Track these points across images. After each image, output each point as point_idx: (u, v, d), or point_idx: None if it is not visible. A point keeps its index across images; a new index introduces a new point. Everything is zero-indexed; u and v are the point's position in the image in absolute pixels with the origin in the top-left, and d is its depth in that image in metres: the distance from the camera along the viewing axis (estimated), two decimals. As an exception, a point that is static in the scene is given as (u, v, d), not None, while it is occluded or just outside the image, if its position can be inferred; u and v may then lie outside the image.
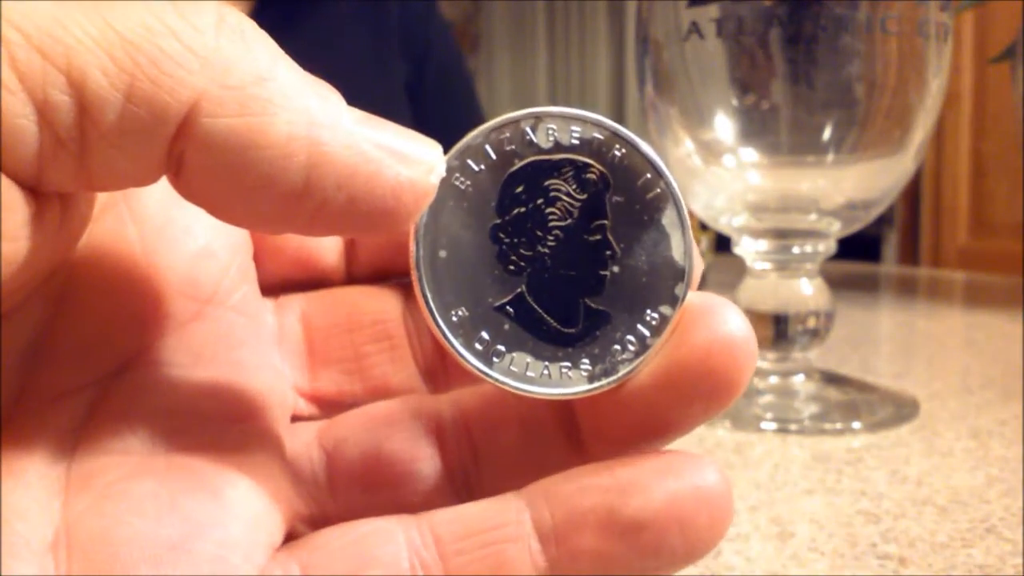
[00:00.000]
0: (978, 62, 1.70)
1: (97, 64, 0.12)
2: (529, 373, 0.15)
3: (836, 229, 0.37)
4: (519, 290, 0.15)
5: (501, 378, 0.15)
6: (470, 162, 0.15)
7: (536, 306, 0.15)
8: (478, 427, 0.17)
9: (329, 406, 0.18)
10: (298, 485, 0.17)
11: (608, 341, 0.15)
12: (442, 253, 0.15)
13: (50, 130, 0.12)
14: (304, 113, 0.13)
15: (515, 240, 0.15)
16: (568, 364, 0.15)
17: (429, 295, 0.15)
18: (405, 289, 0.19)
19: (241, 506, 0.15)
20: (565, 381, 0.15)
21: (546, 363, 0.15)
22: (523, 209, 0.15)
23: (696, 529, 0.14)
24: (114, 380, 0.15)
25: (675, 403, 0.15)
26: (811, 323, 0.37)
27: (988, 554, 0.24)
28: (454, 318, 0.15)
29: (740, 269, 0.40)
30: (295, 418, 0.18)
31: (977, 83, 1.76)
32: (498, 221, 0.15)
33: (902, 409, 0.37)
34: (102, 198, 0.16)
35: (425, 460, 0.17)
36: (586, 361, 0.15)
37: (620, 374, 0.15)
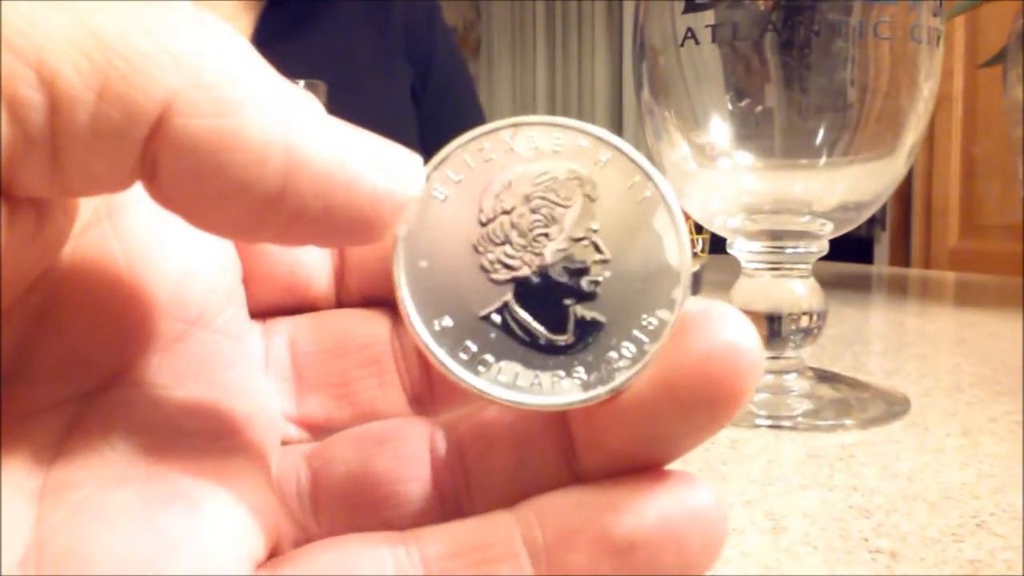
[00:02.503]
0: (969, 66, 1.71)
1: (70, 62, 0.11)
2: (519, 383, 0.15)
3: (829, 230, 0.38)
4: (505, 299, 0.15)
5: (488, 389, 0.15)
6: (449, 172, 0.15)
7: (524, 314, 0.15)
8: (471, 449, 0.16)
9: (318, 432, 0.18)
10: (283, 503, 0.16)
11: (603, 348, 0.15)
12: (423, 263, 0.15)
13: (21, 129, 0.11)
14: (280, 117, 0.12)
15: (499, 249, 0.15)
16: (561, 372, 0.15)
17: (411, 305, 0.15)
18: (393, 312, 0.18)
19: (220, 519, 0.14)
20: (558, 390, 0.15)
21: (537, 372, 0.15)
22: (507, 218, 0.15)
23: (690, 549, 0.14)
24: (95, 398, 0.15)
25: (674, 413, 0.14)
26: (804, 322, 0.38)
27: (979, 549, 0.24)
28: (437, 327, 0.15)
29: (735, 269, 0.40)
30: (285, 444, 0.17)
31: (968, 86, 1.77)
32: (480, 231, 0.15)
33: (893, 406, 0.38)
34: (85, 214, 0.15)
35: (414, 481, 0.16)
36: (580, 369, 0.15)
37: (617, 382, 0.14)
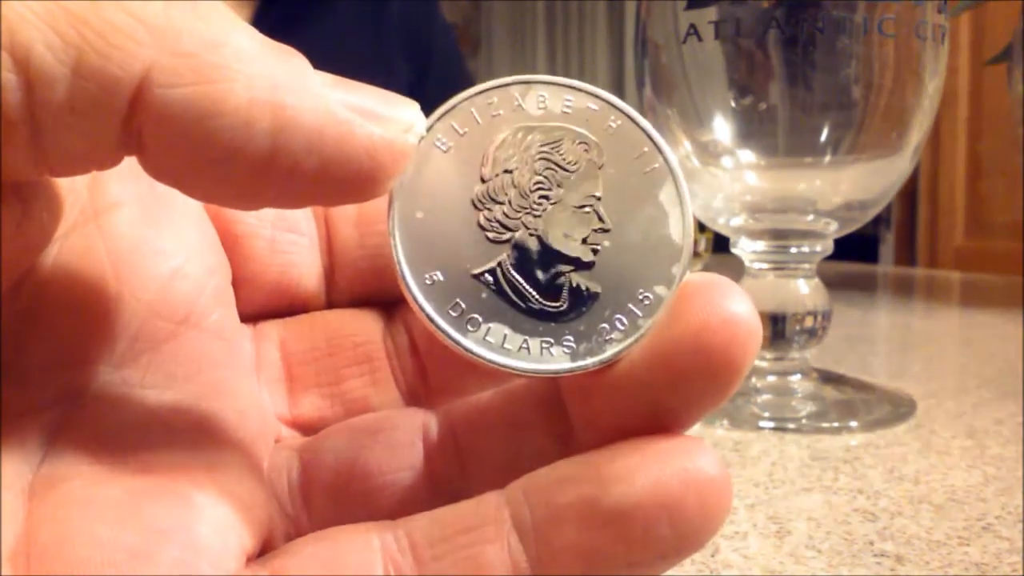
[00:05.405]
0: (974, 63, 1.70)
1: (42, 39, 0.11)
2: (506, 346, 0.14)
3: (833, 230, 0.38)
4: (500, 259, 0.15)
5: (475, 348, 0.14)
6: (454, 125, 0.15)
7: (518, 277, 0.15)
8: (465, 434, 0.16)
9: (311, 432, 0.17)
10: (274, 497, 0.16)
11: (595, 319, 0.14)
12: (419, 214, 0.14)
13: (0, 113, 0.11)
14: (265, 77, 0.12)
15: (498, 208, 0.15)
16: (550, 340, 0.14)
17: (402, 255, 0.14)
18: (386, 311, 0.18)
19: (210, 510, 0.14)
20: (545, 358, 0.14)
21: (526, 337, 0.14)
22: (509, 176, 0.15)
23: (686, 516, 0.13)
24: (84, 398, 0.15)
25: (670, 387, 0.13)
26: (808, 323, 0.37)
27: (985, 552, 0.24)
28: (428, 281, 0.14)
29: (738, 269, 0.40)
30: (278, 443, 0.17)
31: (974, 84, 1.76)
32: (481, 187, 0.15)
33: (899, 408, 0.38)
34: (71, 215, 0.15)
35: (407, 470, 0.16)
36: (570, 338, 0.14)
37: (607, 354, 0.14)
